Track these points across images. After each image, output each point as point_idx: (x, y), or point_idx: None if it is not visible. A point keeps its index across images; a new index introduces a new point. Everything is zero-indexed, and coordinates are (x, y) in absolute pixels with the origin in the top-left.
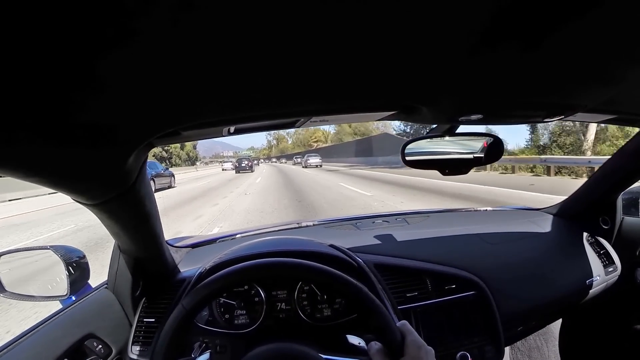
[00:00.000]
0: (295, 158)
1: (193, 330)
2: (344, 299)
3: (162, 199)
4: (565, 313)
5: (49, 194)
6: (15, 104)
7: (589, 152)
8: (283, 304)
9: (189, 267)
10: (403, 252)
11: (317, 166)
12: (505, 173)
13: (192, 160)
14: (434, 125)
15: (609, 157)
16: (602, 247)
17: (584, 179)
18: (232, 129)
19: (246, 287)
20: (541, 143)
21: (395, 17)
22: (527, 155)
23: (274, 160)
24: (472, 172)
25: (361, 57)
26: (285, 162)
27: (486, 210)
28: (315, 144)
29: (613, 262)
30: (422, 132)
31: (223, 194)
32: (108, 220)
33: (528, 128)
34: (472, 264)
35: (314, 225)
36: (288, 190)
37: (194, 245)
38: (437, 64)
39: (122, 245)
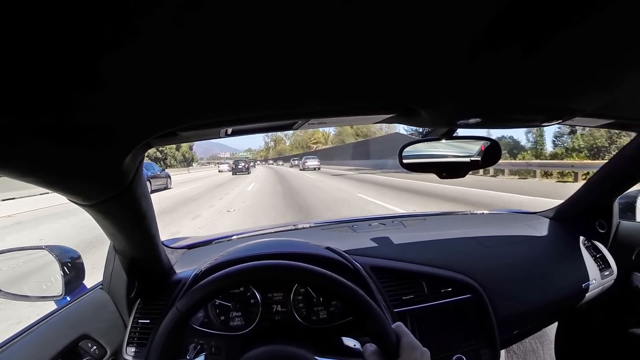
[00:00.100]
0: (292, 160)
1: (188, 332)
2: (339, 301)
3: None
4: (561, 316)
5: (41, 194)
6: (15, 104)
7: None
8: (279, 306)
9: (184, 268)
10: (399, 254)
11: (314, 169)
12: (524, 178)
13: (188, 162)
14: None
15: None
16: (599, 250)
17: None
18: (229, 130)
19: (242, 289)
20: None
21: (395, 19)
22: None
23: (270, 162)
24: (506, 179)
25: (360, 59)
26: (282, 164)
27: (483, 213)
28: (315, 146)
29: (609, 266)
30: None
31: (198, 210)
32: (104, 220)
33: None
34: (469, 267)
35: (310, 227)
36: (289, 206)
37: (190, 247)
38: (437, 67)
39: (118, 246)
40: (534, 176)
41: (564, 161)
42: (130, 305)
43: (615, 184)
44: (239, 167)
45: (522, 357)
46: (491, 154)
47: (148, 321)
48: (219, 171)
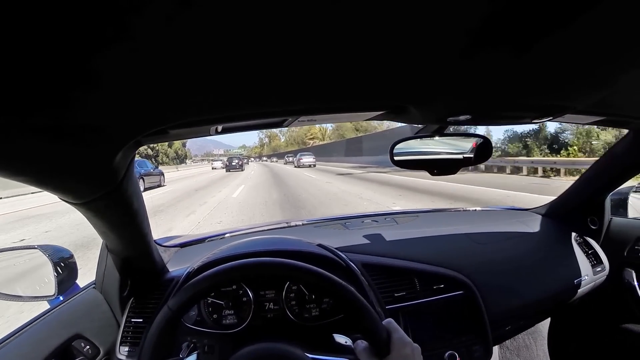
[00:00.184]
0: (287, 157)
1: (181, 331)
2: (329, 297)
3: None
4: (554, 312)
5: (32, 192)
6: (11, 103)
7: None
8: (271, 303)
9: (177, 266)
10: (392, 251)
11: (310, 166)
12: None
13: (181, 159)
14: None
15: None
16: (591, 247)
17: None
18: (219, 128)
19: (234, 287)
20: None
21: (385, 18)
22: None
23: (264, 159)
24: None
25: (350, 57)
26: (276, 161)
27: (475, 210)
28: (311, 142)
29: (601, 262)
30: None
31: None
32: (95, 219)
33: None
34: (461, 264)
35: (302, 224)
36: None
37: (182, 245)
38: (426, 65)
39: (110, 245)
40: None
41: None
42: (123, 304)
43: (607, 180)
44: (233, 164)
45: (516, 353)
46: (483, 151)
47: (141, 320)
48: (213, 168)
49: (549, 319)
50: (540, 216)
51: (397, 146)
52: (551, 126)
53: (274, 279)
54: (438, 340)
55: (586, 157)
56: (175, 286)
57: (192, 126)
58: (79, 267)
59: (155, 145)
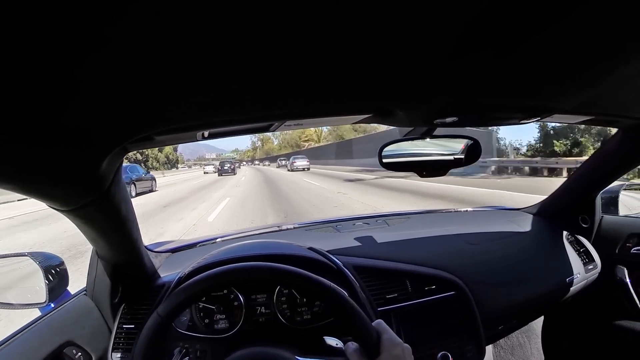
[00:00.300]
0: (279, 160)
1: (173, 336)
2: (318, 300)
3: None
4: (547, 311)
5: (19, 199)
6: None
7: None
8: (262, 307)
9: (169, 272)
10: (383, 253)
11: (304, 169)
12: None
13: (172, 163)
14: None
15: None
16: (582, 245)
17: None
18: (205, 133)
19: (225, 291)
20: None
21: (371, 21)
22: None
23: (256, 162)
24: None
25: (336, 59)
26: (269, 165)
27: (466, 210)
28: (306, 144)
29: (593, 260)
30: None
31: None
32: (84, 226)
33: None
34: (452, 265)
35: (294, 228)
36: None
37: (173, 250)
38: (412, 68)
39: (100, 251)
40: None
41: None
42: (114, 310)
43: (598, 179)
44: (225, 168)
45: (510, 352)
46: (472, 152)
47: (133, 326)
48: (205, 172)
49: (542, 317)
50: (531, 215)
51: (386, 148)
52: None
53: (264, 283)
54: (430, 341)
55: None
56: (166, 292)
57: (178, 132)
58: None
59: (145, 150)
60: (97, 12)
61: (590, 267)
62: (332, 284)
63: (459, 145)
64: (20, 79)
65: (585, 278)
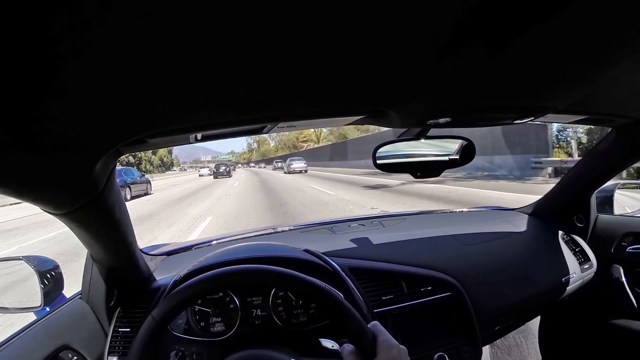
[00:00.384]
0: (276, 162)
1: (169, 339)
2: (313, 302)
3: None
4: (544, 310)
5: (11, 204)
6: None
7: None
8: (258, 310)
9: (164, 274)
10: (379, 255)
11: (301, 171)
12: None
13: (166, 166)
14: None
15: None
16: (578, 244)
17: None
18: (198, 136)
19: (220, 294)
20: None
21: (361, 22)
22: None
23: (252, 165)
24: None
25: (329, 61)
26: (264, 167)
27: (462, 211)
28: (305, 145)
29: (588, 259)
30: None
31: None
32: (78, 229)
33: None
34: (448, 265)
35: (289, 230)
36: None
37: (169, 253)
38: (403, 69)
39: (95, 255)
40: None
41: None
42: (110, 314)
43: (592, 178)
44: (220, 170)
45: (507, 352)
46: (467, 153)
47: (128, 329)
48: (200, 175)
49: (538, 317)
50: (526, 216)
51: (380, 149)
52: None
53: (259, 286)
54: (427, 342)
55: None
56: (162, 295)
57: (171, 134)
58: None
59: (138, 152)
60: (83, 14)
61: (586, 266)
62: (327, 285)
63: (453, 145)
64: (6, 85)
65: (581, 277)
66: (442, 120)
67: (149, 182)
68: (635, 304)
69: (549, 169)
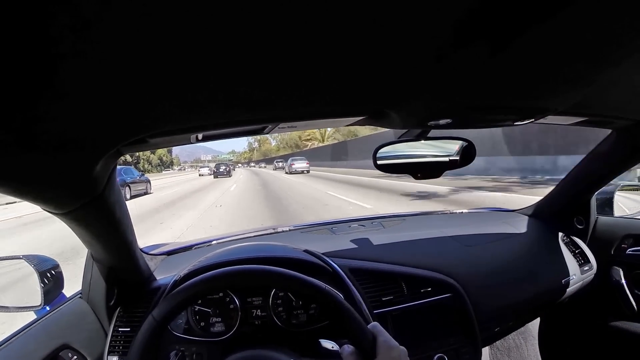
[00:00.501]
0: (276, 162)
1: (169, 339)
2: (313, 303)
3: None
4: (543, 312)
5: (7, 203)
6: None
7: None
8: (258, 310)
9: (164, 274)
10: (379, 255)
11: (303, 172)
12: None
13: (166, 165)
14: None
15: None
16: (578, 246)
17: None
18: (200, 136)
19: (221, 294)
20: None
21: (361, 23)
22: None
23: (252, 164)
24: None
25: (330, 62)
26: (265, 167)
27: (462, 212)
28: (309, 144)
29: (588, 261)
30: None
31: None
32: (78, 228)
33: None
34: (448, 266)
35: (290, 230)
36: None
37: (169, 253)
38: (404, 69)
39: (95, 254)
40: None
41: None
42: (110, 313)
43: (592, 180)
44: (220, 170)
45: (506, 354)
46: (467, 154)
47: (129, 329)
48: (200, 175)
49: (538, 319)
50: (526, 217)
51: (381, 150)
52: None
53: (259, 286)
54: (427, 343)
55: None
56: (162, 295)
57: (171, 135)
58: None
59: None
60: (83, 14)
61: (586, 268)
62: (327, 286)
63: (453, 146)
64: (3, 81)
65: (581, 279)
66: (442, 122)
67: (148, 181)
68: (634, 306)
69: None
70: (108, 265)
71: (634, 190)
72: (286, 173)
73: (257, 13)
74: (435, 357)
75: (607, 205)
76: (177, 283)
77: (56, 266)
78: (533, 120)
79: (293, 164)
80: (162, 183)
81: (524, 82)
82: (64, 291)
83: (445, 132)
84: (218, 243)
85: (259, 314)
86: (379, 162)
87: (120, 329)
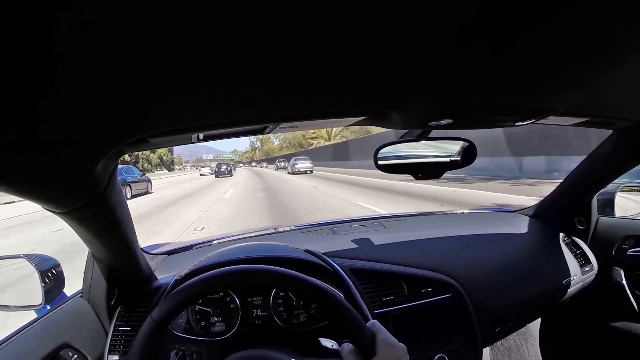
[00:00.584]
0: (278, 162)
1: (169, 339)
2: (312, 302)
3: None
4: (544, 313)
5: (5, 203)
6: None
7: None
8: (259, 310)
9: (165, 274)
10: (379, 256)
11: (306, 172)
12: None
13: (166, 165)
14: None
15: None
16: (579, 247)
17: None
18: (201, 135)
19: (221, 294)
20: None
21: (362, 23)
22: None
23: (253, 164)
24: None
25: (331, 62)
26: (266, 166)
27: (463, 212)
28: (315, 142)
29: (589, 262)
30: None
31: None
32: (79, 228)
33: None
34: (448, 267)
35: (290, 230)
36: None
37: (170, 252)
38: (405, 69)
39: (96, 254)
40: None
41: None
42: (110, 312)
43: (593, 181)
44: (222, 169)
45: (507, 354)
46: (468, 154)
47: (129, 328)
48: (201, 175)
49: (539, 319)
50: (527, 217)
51: (382, 150)
52: None
53: (259, 286)
54: (427, 343)
55: None
56: (162, 294)
57: (173, 134)
58: None
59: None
60: (84, 14)
61: (587, 268)
62: (326, 285)
63: (455, 147)
64: (4, 82)
65: (581, 280)
66: (443, 122)
67: (149, 180)
68: (635, 307)
69: None
70: (109, 265)
71: (634, 191)
72: (288, 173)
73: (257, 12)
74: (436, 358)
75: (608, 206)
76: (177, 282)
77: (57, 265)
78: (534, 120)
79: (296, 164)
80: (168, 182)
81: (525, 82)
82: (64, 290)
83: (446, 133)
84: (219, 243)
85: (260, 313)
86: (380, 163)
87: (120, 329)
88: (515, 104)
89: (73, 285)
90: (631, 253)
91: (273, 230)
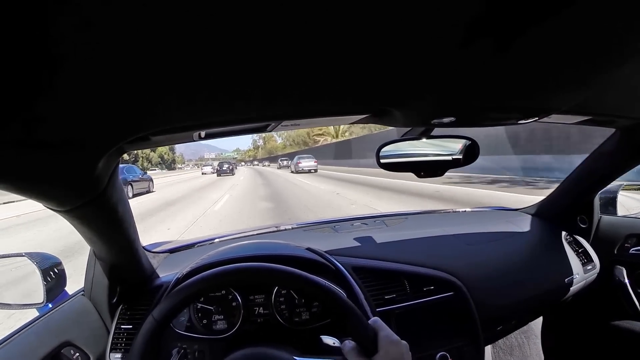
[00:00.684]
0: (281, 161)
1: (171, 336)
2: (314, 300)
3: None
4: (546, 311)
5: (4, 203)
6: None
7: None
8: (261, 308)
9: (167, 272)
10: (381, 254)
11: (310, 171)
12: None
13: (167, 164)
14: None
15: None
16: (581, 245)
17: None
18: (202, 133)
19: (223, 292)
20: None
21: (365, 21)
22: None
23: (255, 163)
24: None
25: (333, 60)
26: (269, 165)
27: (465, 211)
28: (321, 139)
29: (592, 261)
30: None
31: None
32: (81, 226)
33: None
34: (450, 265)
35: (292, 228)
36: None
37: (171, 251)
38: (408, 67)
39: (97, 252)
40: None
41: None
42: (112, 311)
43: (596, 179)
44: (224, 168)
45: (509, 353)
46: (470, 152)
47: (131, 326)
48: (202, 173)
49: (541, 318)
50: (530, 216)
51: (384, 148)
52: None
53: (261, 284)
54: (429, 341)
55: None
56: (164, 292)
57: (174, 132)
58: None
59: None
60: (84, 14)
61: (589, 267)
62: (328, 283)
63: (457, 145)
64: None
65: (584, 278)
66: (446, 120)
67: (151, 179)
68: (638, 306)
69: None
70: (110, 263)
71: (637, 189)
72: (292, 172)
73: (258, 10)
74: (438, 356)
75: (610, 205)
76: (179, 281)
77: (59, 264)
78: (537, 119)
79: (300, 163)
80: (166, 182)
81: (528, 81)
82: (66, 288)
83: (449, 131)
84: (220, 241)
85: (262, 311)
86: (382, 161)
87: (122, 327)
88: (518, 103)
89: (73, 285)
90: (633, 252)
91: (275, 229)
